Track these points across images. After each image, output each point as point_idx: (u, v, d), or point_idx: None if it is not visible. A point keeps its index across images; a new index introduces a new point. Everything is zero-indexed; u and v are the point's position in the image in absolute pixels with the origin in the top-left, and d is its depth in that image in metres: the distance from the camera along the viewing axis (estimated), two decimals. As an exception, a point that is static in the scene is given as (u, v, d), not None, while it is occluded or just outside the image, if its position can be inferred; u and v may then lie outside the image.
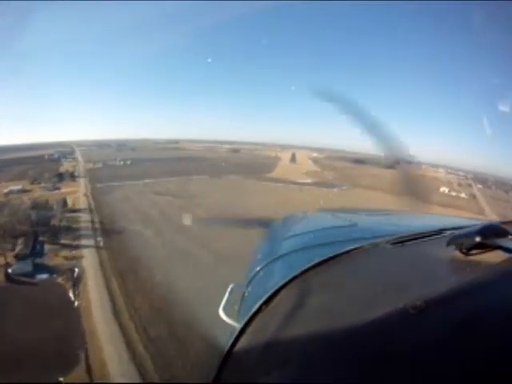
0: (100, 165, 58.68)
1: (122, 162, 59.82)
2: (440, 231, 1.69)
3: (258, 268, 1.75)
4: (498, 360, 0.65)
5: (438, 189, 57.67)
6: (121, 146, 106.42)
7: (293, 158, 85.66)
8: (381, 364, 0.73)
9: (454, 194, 55.81)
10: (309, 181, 46.58)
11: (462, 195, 55.78)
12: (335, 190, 39.97)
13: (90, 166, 58.45)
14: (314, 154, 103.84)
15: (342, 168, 68.13)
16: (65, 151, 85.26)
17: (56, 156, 73.05)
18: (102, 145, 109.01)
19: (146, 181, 39.42)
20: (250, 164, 64.00)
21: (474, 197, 55.34)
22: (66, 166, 58.21)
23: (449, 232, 1.58)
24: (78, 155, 78.47)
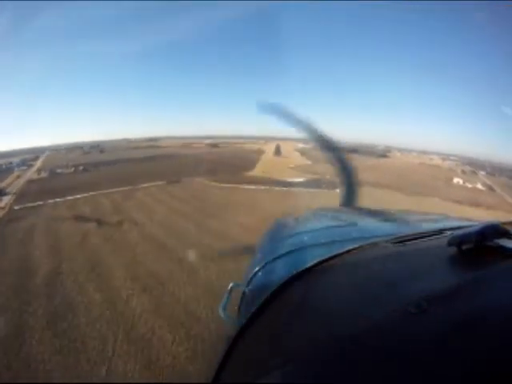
0: (46, 174, 46.71)
1: (72, 169, 47.69)
2: (440, 231, 1.62)
3: (258, 267, 1.67)
4: (499, 360, 0.64)
5: (452, 180, 47.91)
6: (93, 147, 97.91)
7: (277, 151, 74.22)
8: (381, 364, 0.71)
9: (469, 185, 45.20)
10: (300, 179, 32.67)
11: (479, 186, 45.21)
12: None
13: (35, 176, 46.75)
14: (300, 145, 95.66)
15: (334, 159, 56.84)
16: (28, 158, 77.41)
17: (14, 164, 64.40)
18: (74, 147, 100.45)
19: (82, 195, 27.23)
20: (227, 160, 52.05)
21: (490, 188, 45.12)
22: (9, 179, 46.41)
23: (449, 232, 1.53)
24: (38, 162, 69.27)
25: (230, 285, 1.53)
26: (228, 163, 48.28)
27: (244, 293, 1.51)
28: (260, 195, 23.31)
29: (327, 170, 45.34)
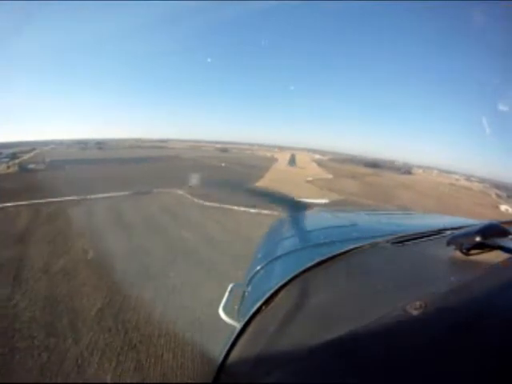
0: (15, 169, 39.19)
1: (43, 166, 39.96)
2: (440, 231, 1.61)
3: (258, 267, 1.65)
4: (499, 360, 0.64)
5: (498, 207, 37.95)
6: (98, 143, 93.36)
7: (292, 161, 64.91)
8: (381, 364, 0.71)
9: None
10: (323, 200, 21.67)
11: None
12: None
13: (4, 171, 39.77)
14: (317, 156, 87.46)
15: (360, 174, 47.02)
16: (23, 150, 71.66)
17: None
18: (77, 143, 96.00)
19: (10, 204, 18.48)
20: (230, 167, 43.10)
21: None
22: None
23: (449, 232, 1.52)
24: (26, 155, 62.89)
25: (231, 285, 1.47)
26: (230, 171, 39.24)
27: (244, 293, 1.47)
28: (256, 229, 13.53)
29: (351, 185, 35.79)
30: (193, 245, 11.47)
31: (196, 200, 18.95)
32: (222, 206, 17.78)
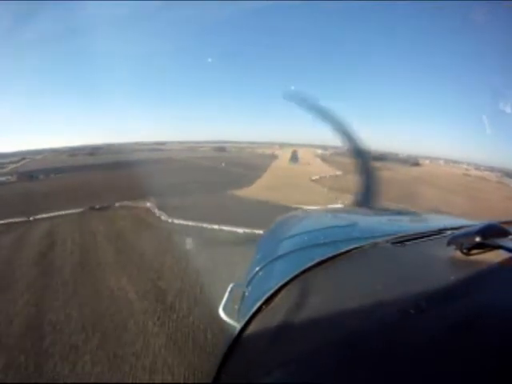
0: None
1: (15, 177, 36.75)
2: (440, 231, 1.59)
3: (258, 267, 1.62)
4: (498, 360, 0.64)
5: None
6: (95, 149, 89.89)
7: (294, 157, 60.03)
8: (381, 364, 0.71)
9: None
10: (337, 206, 18.38)
11: None
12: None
13: None
14: (320, 151, 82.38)
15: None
16: (13, 161, 68.35)
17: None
18: (73, 150, 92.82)
19: None
20: (223, 168, 38.46)
21: None
22: None
23: (449, 232, 1.51)
24: (11, 166, 57.85)
25: (231, 285, 1.45)
26: (222, 171, 34.68)
27: (244, 293, 1.45)
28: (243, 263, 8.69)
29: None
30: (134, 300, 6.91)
31: (164, 218, 14.26)
32: (197, 224, 13.08)
